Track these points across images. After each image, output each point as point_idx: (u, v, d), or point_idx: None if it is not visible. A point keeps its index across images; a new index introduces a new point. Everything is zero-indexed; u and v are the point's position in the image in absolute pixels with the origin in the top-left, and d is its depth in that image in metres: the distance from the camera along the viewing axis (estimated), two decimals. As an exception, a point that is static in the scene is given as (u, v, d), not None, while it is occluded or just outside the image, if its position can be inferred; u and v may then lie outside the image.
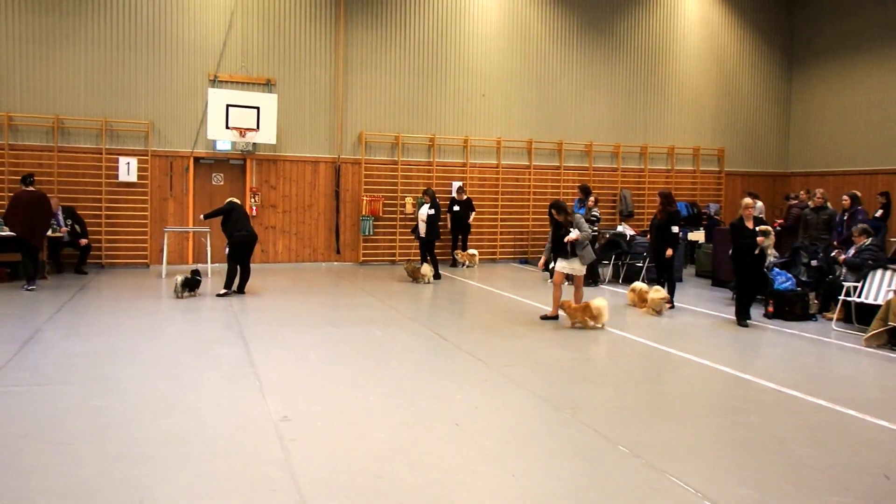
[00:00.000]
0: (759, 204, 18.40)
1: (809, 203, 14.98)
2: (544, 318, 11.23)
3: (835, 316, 11.21)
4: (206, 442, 5.70)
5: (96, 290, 13.06)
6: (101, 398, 6.72)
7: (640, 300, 12.22)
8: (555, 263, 11.47)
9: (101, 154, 15.87)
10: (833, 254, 12.51)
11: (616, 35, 20.30)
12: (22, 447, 5.50)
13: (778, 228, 16.34)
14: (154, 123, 16.26)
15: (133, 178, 16.06)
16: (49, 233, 14.05)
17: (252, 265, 13.44)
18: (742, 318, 11.03)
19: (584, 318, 10.49)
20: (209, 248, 15.26)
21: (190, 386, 7.23)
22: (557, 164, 19.78)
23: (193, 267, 13.78)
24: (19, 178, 13.76)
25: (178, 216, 16.57)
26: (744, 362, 8.75)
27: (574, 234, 10.79)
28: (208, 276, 14.12)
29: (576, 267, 11.00)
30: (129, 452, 5.44)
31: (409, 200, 17.68)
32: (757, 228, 11.18)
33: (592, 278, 15.10)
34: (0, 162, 15.18)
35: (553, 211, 11.21)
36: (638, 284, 12.62)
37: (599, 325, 10.52)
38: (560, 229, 11.03)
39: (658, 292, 11.89)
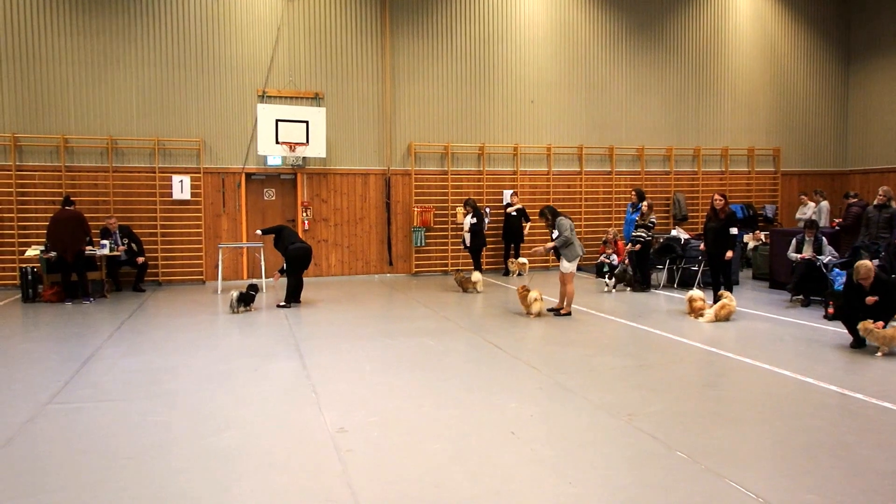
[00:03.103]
0: (824, 203, 18.02)
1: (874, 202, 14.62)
2: (552, 310, 12.35)
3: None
4: (264, 455, 5.68)
5: (154, 308, 13.23)
6: (161, 413, 6.76)
7: (695, 312, 11.81)
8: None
9: (155, 173, 16.13)
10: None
11: (666, 36, 20.04)
12: (86, 462, 5.54)
13: (837, 228, 15.98)
14: (205, 141, 16.48)
15: (186, 195, 16.28)
16: (107, 251, 14.39)
17: (305, 279, 13.64)
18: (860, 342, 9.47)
19: (524, 305, 12.16)
20: (263, 263, 15.42)
21: (247, 399, 7.22)
22: (609, 170, 19.56)
23: (250, 282, 13.90)
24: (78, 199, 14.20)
25: (231, 232, 16.75)
26: (804, 365, 8.46)
27: (549, 244, 12.21)
28: (263, 291, 14.24)
29: (565, 266, 12.04)
30: (189, 466, 5.45)
31: (459, 210, 17.63)
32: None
33: (645, 283, 14.91)
34: (58, 183, 15.52)
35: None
36: (695, 294, 12.18)
37: (534, 313, 11.98)
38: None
39: (731, 300, 11.55)
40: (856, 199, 16.62)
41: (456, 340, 10.14)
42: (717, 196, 12.83)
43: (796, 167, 21.51)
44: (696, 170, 20.43)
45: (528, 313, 12.05)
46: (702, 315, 11.53)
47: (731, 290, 12.25)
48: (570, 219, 12.35)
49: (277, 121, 16.15)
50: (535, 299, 12.00)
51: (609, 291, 14.69)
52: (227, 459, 5.59)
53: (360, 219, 17.68)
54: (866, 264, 9.42)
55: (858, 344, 9.37)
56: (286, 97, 16.90)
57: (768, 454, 5.71)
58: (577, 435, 6.14)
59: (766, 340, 10.03)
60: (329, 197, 17.42)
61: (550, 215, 12.25)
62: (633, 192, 16.26)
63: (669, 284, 15.56)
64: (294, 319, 11.86)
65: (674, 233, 16.58)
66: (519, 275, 17.36)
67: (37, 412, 6.81)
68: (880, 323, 9.07)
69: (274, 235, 13.34)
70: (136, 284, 15.34)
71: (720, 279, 12.89)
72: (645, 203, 15.23)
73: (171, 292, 15.23)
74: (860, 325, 9.15)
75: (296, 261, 12.97)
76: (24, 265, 14.11)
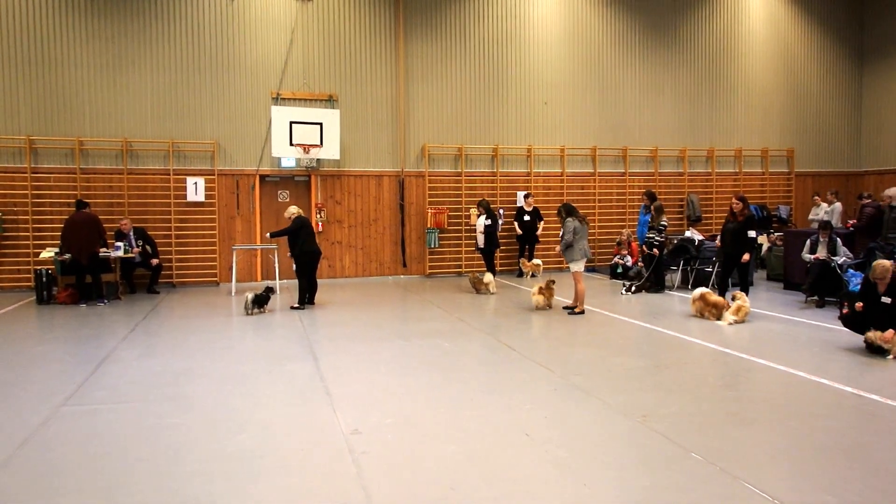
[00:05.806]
0: (837, 205, 17.91)
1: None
2: (565, 307, 12.82)
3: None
4: (278, 457, 5.68)
5: (168, 310, 13.27)
6: (176, 415, 6.76)
7: (710, 308, 11.76)
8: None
9: (169, 175, 16.19)
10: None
11: (679, 37, 19.97)
12: (101, 465, 5.54)
13: (851, 229, 15.88)
14: (219, 143, 16.52)
15: (201, 197, 16.32)
16: (121, 253, 14.47)
17: (320, 280, 13.75)
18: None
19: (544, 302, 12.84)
20: (277, 265, 15.45)
21: (262, 401, 7.22)
22: (622, 171, 19.51)
23: (266, 283, 13.91)
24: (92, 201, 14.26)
25: (245, 234, 16.78)
26: (819, 366, 8.40)
27: (557, 248, 12.72)
28: (277, 293, 14.27)
29: (571, 266, 12.49)
30: (204, 468, 5.45)
31: (473, 212, 17.60)
32: None
33: (658, 284, 14.84)
34: (73, 185, 15.60)
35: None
36: (706, 290, 12.13)
37: (533, 305, 12.80)
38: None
39: (745, 300, 11.49)
40: (869, 200, 16.51)
41: (470, 342, 10.13)
42: (734, 199, 12.78)
43: (810, 168, 21.38)
44: (709, 171, 20.35)
45: (548, 306, 12.84)
46: (721, 318, 11.44)
47: (746, 292, 12.18)
48: (581, 220, 12.41)
49: (291, 123, 16.18)
50: (533, 294, 12.80)
51: (626, 294, 14.58)
52: (243, 461, 5.59)
53: (373, 220, 17.69)
54: (883, 264, 9.23)
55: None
56: (300, 99, 16.92)
57: (784, 455, 5.67)
58: (592, 436, 6.11)
59: (781, 341, 9.97)
60: (343, 199, 17.44)
61: (565, 213, 12.46)
62: (644, 195, 16.19)
63: (683, 285, 15.49)
64: (308, 321, 11.88)
65: (688, 234, 16.49)
66: (533, 276, 17.31)
67: (52, 414, 6.83)
68: (889, 333, 8.84)
69: (288, 237, 13.23)
70: (151, 286, 15.39)
71: (728, 280, 12.86)
72: (653, 206, 15.10)
73: (185, 294, 15.28)
74: (868, 337, 8.99)
75: (303, 265, 13.08)
76: (39, 267, 14.20)
